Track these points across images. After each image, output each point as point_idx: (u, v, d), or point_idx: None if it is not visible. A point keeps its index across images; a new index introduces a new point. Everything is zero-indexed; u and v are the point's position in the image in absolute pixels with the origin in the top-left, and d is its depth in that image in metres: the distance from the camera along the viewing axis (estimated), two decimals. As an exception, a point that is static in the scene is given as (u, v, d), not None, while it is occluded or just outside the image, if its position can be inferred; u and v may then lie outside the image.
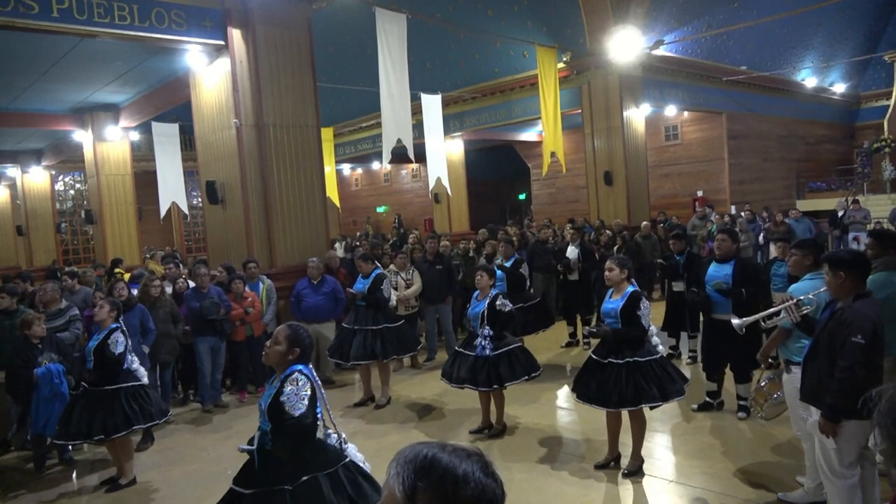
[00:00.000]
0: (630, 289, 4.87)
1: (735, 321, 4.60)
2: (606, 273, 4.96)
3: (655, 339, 4.93)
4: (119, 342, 5.25)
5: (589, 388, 4.88)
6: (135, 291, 7.13)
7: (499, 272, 7.85)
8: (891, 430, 1.39)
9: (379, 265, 7.90)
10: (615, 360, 4.77)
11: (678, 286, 7.75)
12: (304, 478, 3.11)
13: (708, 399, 6.23)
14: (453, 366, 5.91)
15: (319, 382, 3.34)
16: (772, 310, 4.34)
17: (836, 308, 3.60)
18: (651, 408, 4.83)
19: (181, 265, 9.55)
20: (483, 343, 5.67)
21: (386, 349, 7.04)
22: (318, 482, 3.12)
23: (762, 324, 4.46)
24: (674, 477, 4.85)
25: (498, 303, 5.78)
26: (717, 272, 5.91)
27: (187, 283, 7.83)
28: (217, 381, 7.52)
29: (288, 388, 3.16)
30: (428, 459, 1.20)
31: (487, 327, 5.71)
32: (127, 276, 9.73)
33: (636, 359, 4.74)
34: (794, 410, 4.28)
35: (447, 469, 1.18)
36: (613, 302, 4.89)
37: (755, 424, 5.63)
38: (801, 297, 4.08)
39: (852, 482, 3.53)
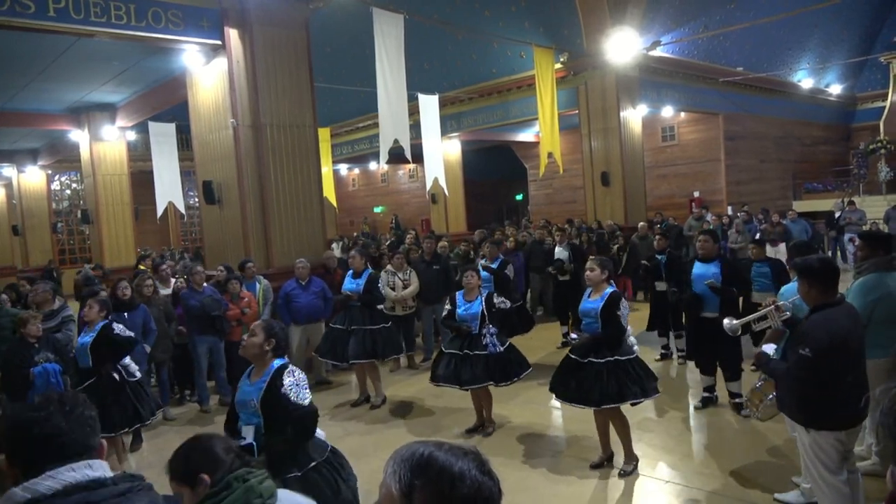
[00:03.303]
0: (609, 289, 4.94)
1: (727, 323, 4.62)
2: (587, 273, 5.02)
3: (632, 340, 5.00)
4: (123, 329, 5.36)
5: (568, 387, 4.93)
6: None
7: (484, 273, 7.84)
8: (893, 428, 1.39)
9: (369, 266, 7.85)
10: (595, 360, 4.81)
11: (661, 286, 7.81)
12: (312, 463, 3.25)
13: (706, 394, 6.26)
14: (459, 368, 5.75)
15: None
16: (760, 312, 4.37)
17: (803, 317, 3.62)
18: (633, 404, 4.86)
19: (185, 258, 9.50)
20: (493, 341, 5.73)
21: (385, 348, 7.10)
22: (323, 467, 3.28)
23: (752, 325, 4.49)
24: (669, 477, 4.85)
25: (496, 300, 5.86)
26: (705, 271, 5.96)
27: (187, 282, 7.82)
28: (223, 379, 7.49)
29: (288, 381, 3.24)
30: (424, 458, 1.21)
31: (490, 325, 5.76)
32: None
33: (616, 357, 4.81)
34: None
35: (443, 467, 1.19)
36: (592, 302, 4.94)
37: (750, 424, 5.64)
38: (781, 303, 4.11)
39: (840, 487, 3.53)
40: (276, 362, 3.37)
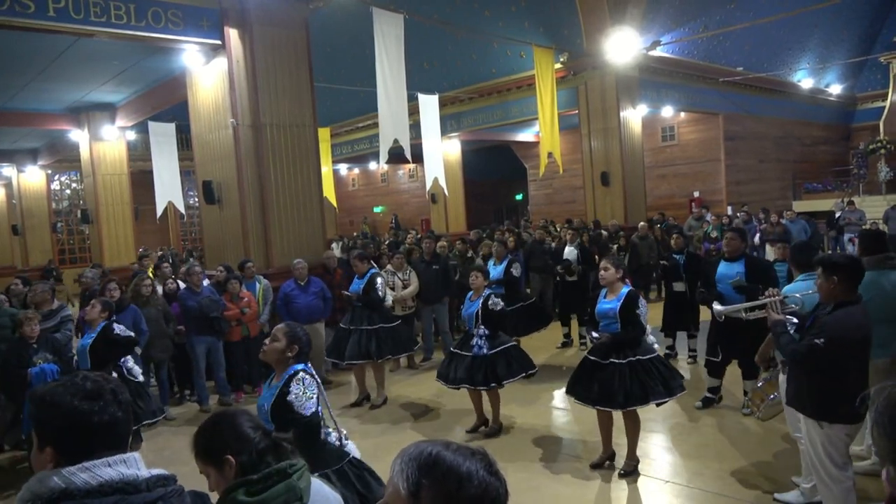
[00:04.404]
0: (626, 288, 4.90)
1: (716, 307, 4.59)
2: (602, 273, 4.95)
3: (651, 338, 4.95)
4: (124, 329, 5.36)
5: (590, 389, 4.85)
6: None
7: (493, 277, 7.82)
8: (888, 427, 1.39)
9: (374, 265, 7.88)
10: (617, 360, 4.76)
11: (679, 286, 7.68)
12: (316, 474, 3.15)
13: (709, 395, 6.25)
14: (450, 367, 5.92)
15: (319, 381, 3.36)
16: (755, 302, 4.34)
17: (818, 313, 3.62)
18: (658, 404, 4.84)
19: (178, 262, 9.50)
20: (479, 343, 5.72)
21: (381, 349, 7.04)
22: (329, 478, 3.12)
23: (743, 314, 4.45)
24: (669, 477, 4.86)
25: (490, 302, 5.84)
26: (729, 270, 5.87)
27: (177, 284, 7.82)
28: (222, 379, 7.50)
29: (295, 388, 3.14)
30: (432, 457, 1.21)
31: (483, 327, 5.76)
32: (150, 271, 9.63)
33: (638, 357, 4.75)
34: (790, 411, 4.29)
35: (451, 467, 1.19)
36: (609, 302, 4.89)
37: (751, 424, 5.64)
38: (787, 295, 4.09)
39: (847, 485, 3.53)
40: (293, 368, 3.25)
